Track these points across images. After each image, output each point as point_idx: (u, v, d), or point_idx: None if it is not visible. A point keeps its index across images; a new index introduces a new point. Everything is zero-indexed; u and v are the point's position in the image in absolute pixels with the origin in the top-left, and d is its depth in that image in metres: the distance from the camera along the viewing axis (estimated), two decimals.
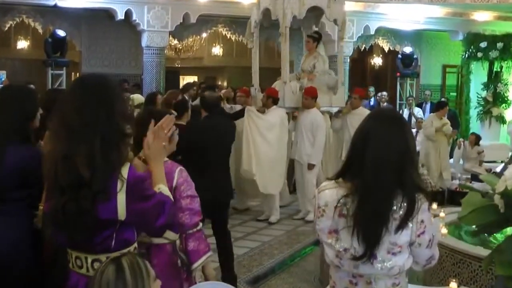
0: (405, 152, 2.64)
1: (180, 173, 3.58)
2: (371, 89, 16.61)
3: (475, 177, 11.09)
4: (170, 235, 2.98)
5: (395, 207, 2.61)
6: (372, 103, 15.77)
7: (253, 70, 11.02)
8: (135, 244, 2.85)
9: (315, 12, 10.77)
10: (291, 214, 9.87)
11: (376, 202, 2.57)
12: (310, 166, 9.51)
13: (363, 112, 10.16)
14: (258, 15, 10.66)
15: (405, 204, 2.61)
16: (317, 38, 10.58)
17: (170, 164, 3.59)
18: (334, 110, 10.51)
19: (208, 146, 6.34)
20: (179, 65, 22.24)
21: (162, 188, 2.93)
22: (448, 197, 10.52)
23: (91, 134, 2.62)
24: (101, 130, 2.63)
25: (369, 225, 2.58)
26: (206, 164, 6.24)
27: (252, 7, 11.02)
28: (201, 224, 3.69)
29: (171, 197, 2.93)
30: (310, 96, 9.54)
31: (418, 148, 12.97)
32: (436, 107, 12.27)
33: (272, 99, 9.46)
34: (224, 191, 6.54)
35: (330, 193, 2.70)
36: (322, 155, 9.78)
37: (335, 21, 10.61)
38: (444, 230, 5.99)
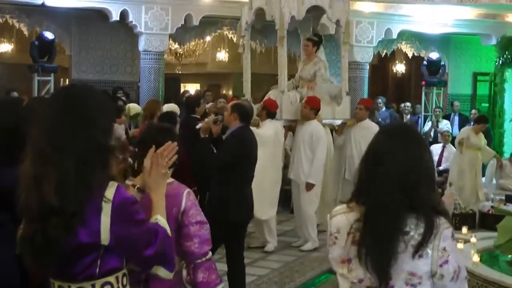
0: (419, 169, 2.63)
1: (188, 196, 3.61)
2: (380, 99, 16.16)
3: (510, 198, 11.02)
4: (162, 272, 2.94)
5: (412, 233, 2.58)
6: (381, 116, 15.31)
7: (244, 78, 10.83)
8: (124, 270, 2.83)
9: (314, 12, 10.59)
10: None
11: (383, 222, 2.56)
12: (309, 186, 9.21)
13: (369, 125, 10.06)
14: (250, 15, 10.52)
15: (422, 224, 2.59)
16: (317, 41, 10.37)
17: (176, 185, 3.61)
18: (337, 122, 10.30)
19: (251, 160, 6.73)
20: (179, 72, 22.29)
21: (159, 219, 2.93)
22: (480, 220, 10.43)
23: (63, 157, 2.62)
24: (76, 150, 2.63)
25: (376, 249, 2.57)
26: (244, 179, 6.63)
27: (243, 6, 10.83)
28: (210, 253, 3.72)
29: (168, 230, 2.91)
30: (310, 106, 9.35)
31: (445, 164, 12.93)
32: (476, 120, 12.23)
33: (266, 111, 9.18)
34: (252, 208, 6.82)
35: (342, 218, 2.71)
36: (322, 174, 9.49)
37: (337, 22, 10.41)
38: (476, 258, 5.93)
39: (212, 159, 6.70)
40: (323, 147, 9.35)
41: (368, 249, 2.57)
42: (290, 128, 9.90)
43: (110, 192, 2.66)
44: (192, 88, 22.38)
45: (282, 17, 9.83)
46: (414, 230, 2.58)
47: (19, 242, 2.80)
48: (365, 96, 16.15)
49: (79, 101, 2.73)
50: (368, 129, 9.91)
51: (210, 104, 11.79)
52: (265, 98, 9.97)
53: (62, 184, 2.59)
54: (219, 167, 6.55)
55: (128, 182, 3.42)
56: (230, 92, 22.41)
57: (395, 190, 2.57)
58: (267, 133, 8.97)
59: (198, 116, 9.10)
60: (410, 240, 2.58)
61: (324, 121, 9.80)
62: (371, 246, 2.57)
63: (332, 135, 10.38)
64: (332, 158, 10.21)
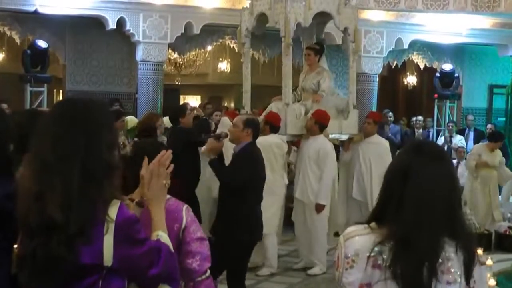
0: (452, 191, 2.63)
1: (187, 212, 3.68)
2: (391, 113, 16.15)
3: None
4: None
5: (440, 259, 2.56)
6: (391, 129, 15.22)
7: (244, 89, 10.77)
8: None
9: (318, 19, 10.48)
10: None
11: (421, 249, 2.53)
12: (319, 207, 9.07)
13: (378, 140, 9.97)
14: (251, 21, 10.44)
15: (459, 256, 2.57)
16: (319, 50, 10.31)
17: (174, 201, 3.65)
18: (344, 138, 10.15)
19: (263, 179, 6.87)
20: (179, 83, 22.30)
21: (161, 235, 2.92)
22: (496, 241, 10.40)
23: (68, 169, 2.63)
24: (81, 163, 2.64)
25: (415, 278, 2.53)
26: (257, 198, 6.75)
27: (243, 12, 10.74)
28: (209, 271, 3.76)
29: (171, 246, 2.91)
30: (316, 119, 9.22)
31: (460, 182, 12.89)
32: (490, 137, 12.15)
33: (270, 125, 9.07)
34: (262, 227, 6.94)
35: (361, 240, 2.64)
36: (330, 193, 9.35)
37: (345, 30, 10.29)
38: (492, 282, 5.89)
39: (229, 180, 6.66)
40: (331, 164, 9.25)
41: (403, 276, 2.53)
42: (293, 143, 9.80)
43: (112, 211, 2.66)
44: (192, 100, 22.41)
45: (287, 23, 9.71)
46: (444, 257, 2.56)
47: (17, 260, 2.79)
48: (374, 109, 16.13)
49: (85, 113, 2.75)
50: (378, 144, 9.83)
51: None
52: (266, 110, 9.90)
53: (67, 197, 2.59)
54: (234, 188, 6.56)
55: (125, 196, 3.42)
56: (232, 105, 22.42)
57: (435, 212, 2.55)
58: (268, 139, 8.86)
59: (184, 127, 9.10)
60: (440, 267, 2.56)
61: (330, 136, 9.69)
62: (407, 272, 2.53)
63: (338, 150, 10.28)
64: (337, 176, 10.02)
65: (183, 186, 7.07)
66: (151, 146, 3.77)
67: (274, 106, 9.90)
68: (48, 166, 2.64)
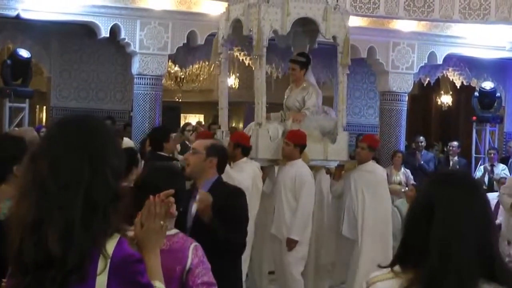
0: (487, 228, 2.58)
1: (195, 251, 3.66)
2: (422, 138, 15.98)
3: None
4: None
5: None
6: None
7: (219, 105, 10.75)
8: None
9: (308, 26, 10.28)
10: None
11: None
12: (290, 243, 8.74)
13: (372, 168, 9.69)
14: (227, 28, 10.27)
15: None
16: (304, 62, 10.09)
17: (181, 238, 3.69)
18: (331, 164, 9.79)
19: None
20: (180, 100, 22.36)
21: (159, 286, 2.89)
22: None
23: (70, 199, 2.62)
24: (84, 192, 2.63)
25: None
26: None
27: (221, 17, 10.62)
28: None
29: None
30: (294, 143, 8.92)
31: (500, 219, 12.74)
32: None
33: (241, 148, 8.74)
34: None
35: (383, 286, 2.63)
36: (309, 227, 9.00)
37: (334, 39, 9.96)
38: None
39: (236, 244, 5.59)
40: (308, 193, 8.91)
41: None
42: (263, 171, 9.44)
43: (110, 245, 2.64)
44: (194, 119, 22.43)
45: (260, 31, 9.48)
46: None
47: None
48: (403, 132, 16.11)
49: (88, 134, 2.75)
50: (372, 173, 9.48)
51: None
52: (246, 130, 9.82)
53: (67, 231, 2.58)
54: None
55: (130, 233, 3.39)
56: (241, 125, 22.39)
57: (465, 251, 2.50)
58: (244, 177, 8.47)
59: (166, 154, 8.99)
60: None
61: (313, 162, 9.42)
62: None
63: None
64: (327, 209, 9.77)
65: None
66: (163, 176, 3.83)
67: (252, 126, 9.76)
68: (47, 194, 2.63)
